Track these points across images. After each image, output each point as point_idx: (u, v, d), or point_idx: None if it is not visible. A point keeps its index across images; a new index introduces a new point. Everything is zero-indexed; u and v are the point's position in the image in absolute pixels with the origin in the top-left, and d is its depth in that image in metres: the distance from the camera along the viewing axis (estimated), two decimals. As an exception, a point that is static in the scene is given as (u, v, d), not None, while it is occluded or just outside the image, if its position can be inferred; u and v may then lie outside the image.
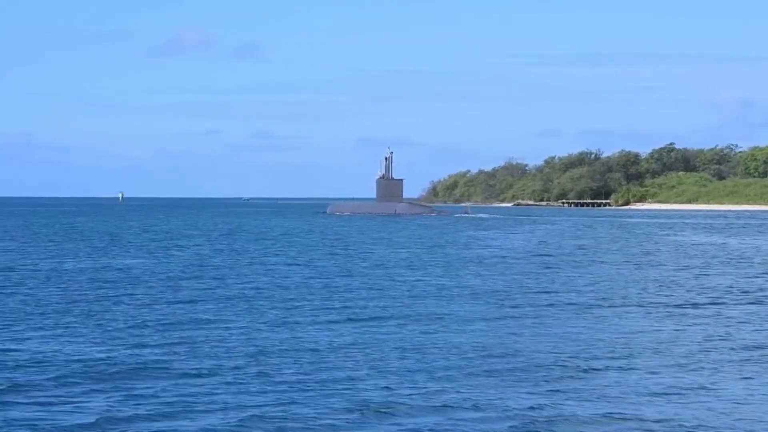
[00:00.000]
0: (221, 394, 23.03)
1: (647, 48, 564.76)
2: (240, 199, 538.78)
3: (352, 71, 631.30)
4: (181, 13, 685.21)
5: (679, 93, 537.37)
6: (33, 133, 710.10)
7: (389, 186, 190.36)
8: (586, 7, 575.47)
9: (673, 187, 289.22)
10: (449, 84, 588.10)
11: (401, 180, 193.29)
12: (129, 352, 28.63)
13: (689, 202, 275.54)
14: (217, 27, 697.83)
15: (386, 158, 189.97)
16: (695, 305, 41.27)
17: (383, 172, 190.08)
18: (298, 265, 61.48)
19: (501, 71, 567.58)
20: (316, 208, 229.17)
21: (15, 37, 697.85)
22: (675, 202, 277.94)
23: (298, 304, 40.26)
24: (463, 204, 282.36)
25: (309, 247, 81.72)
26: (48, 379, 24.51)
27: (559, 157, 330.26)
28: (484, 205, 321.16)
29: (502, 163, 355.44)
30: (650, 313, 38.51)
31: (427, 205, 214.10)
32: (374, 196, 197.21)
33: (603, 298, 43.38)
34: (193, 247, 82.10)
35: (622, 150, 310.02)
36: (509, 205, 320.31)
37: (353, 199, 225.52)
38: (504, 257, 70.64)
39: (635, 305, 40.94)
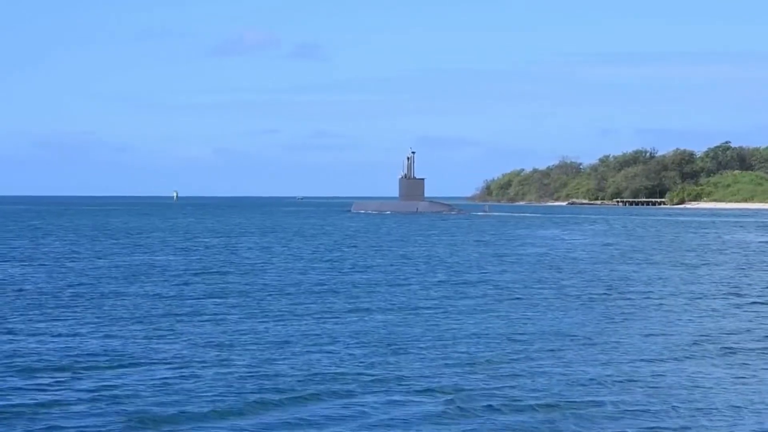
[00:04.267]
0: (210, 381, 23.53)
1: (705, 46, 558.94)
2: (294, 198, 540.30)
3: (410, 70, 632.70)
4: (242, 13, 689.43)
5: (738, 91, 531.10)
6: (94, 132, 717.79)
7: (411, 185, 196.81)
8: (644, 6, 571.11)
9: (729, 185, 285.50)
10: (507, 83, 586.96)
11: (423, 179, 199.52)
12: (102, 342, 29.26)
13: (745, 201, 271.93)
14: (279, 26, 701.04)
15: (408, 158, 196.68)
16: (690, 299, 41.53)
17: (405, 171, 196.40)
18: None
19: (559, 70, 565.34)
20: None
21: (78, 37, 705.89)
22: (730, 201, 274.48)
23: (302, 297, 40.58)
24: (483, 203, 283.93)
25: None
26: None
27: (613, 156, 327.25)
28: (538, 204, 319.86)
29: (556, 162, 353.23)
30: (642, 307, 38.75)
31: (447, 204, 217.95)
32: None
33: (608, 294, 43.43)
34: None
35: (677, 149, 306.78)
36: (563, 203, 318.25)
37: (377, 198, 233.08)
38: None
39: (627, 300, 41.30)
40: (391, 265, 59.75)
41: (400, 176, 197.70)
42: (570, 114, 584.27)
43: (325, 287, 45.63)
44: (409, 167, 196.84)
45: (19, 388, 22.69)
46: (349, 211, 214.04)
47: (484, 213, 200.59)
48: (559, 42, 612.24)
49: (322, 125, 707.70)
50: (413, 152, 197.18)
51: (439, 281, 48.96)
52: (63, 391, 22.42)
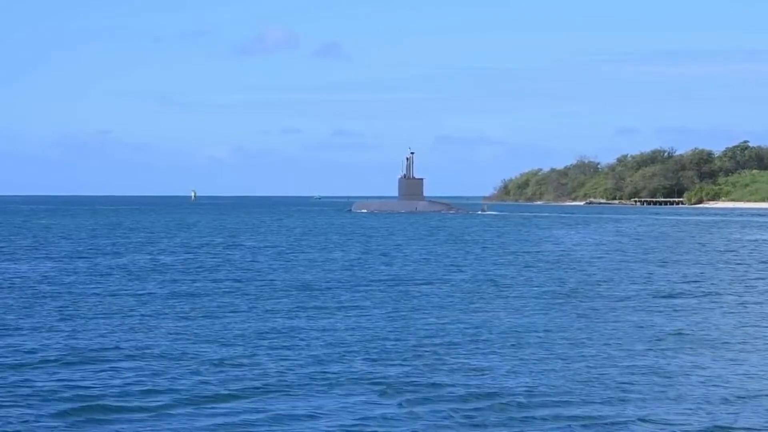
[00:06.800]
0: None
1: (725, 45, 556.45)
2: (311, 197, 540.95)
3: (430, 69, 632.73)
4: (263, 12, 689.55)
5: (757, 90, 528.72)
6: (112, 131, 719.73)
7: (410, 185, 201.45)
8: (664, 5, 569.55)
9: (747, 185, 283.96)
10: (526, 82, 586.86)
11: (422, 179, 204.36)
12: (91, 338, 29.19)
13: (763, 200, 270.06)
14: (300, 26, 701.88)
15: (407, 158, 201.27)
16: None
17: (405, 171, 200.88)
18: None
19: (579, 69, 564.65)
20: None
21: (97, 36, 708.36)
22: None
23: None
24: (482, 203, 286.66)
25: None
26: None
27: (631, 156, 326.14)
28: (555, 204, 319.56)
29: (574, 162, 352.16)
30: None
31: (446, 203, 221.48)
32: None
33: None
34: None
35: (695, 148, 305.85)
36: (581, 203, 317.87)
37: (377, 197, 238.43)
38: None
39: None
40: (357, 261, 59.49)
41: (400, 176, 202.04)
42: (589, 113, 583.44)
43: (304, 286, 45.30)
44: (409, 167, 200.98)
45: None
46: (350, 210, 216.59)
47: (482, 212, 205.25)
48: (579, 41, 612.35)
49: (343, 124, 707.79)
50: (412, 153, 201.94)
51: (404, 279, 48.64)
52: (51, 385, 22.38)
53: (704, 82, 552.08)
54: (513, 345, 28.09)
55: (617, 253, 70.16)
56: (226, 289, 43.16)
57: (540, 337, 29.56)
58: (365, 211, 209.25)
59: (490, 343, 28.47)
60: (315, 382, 22.69)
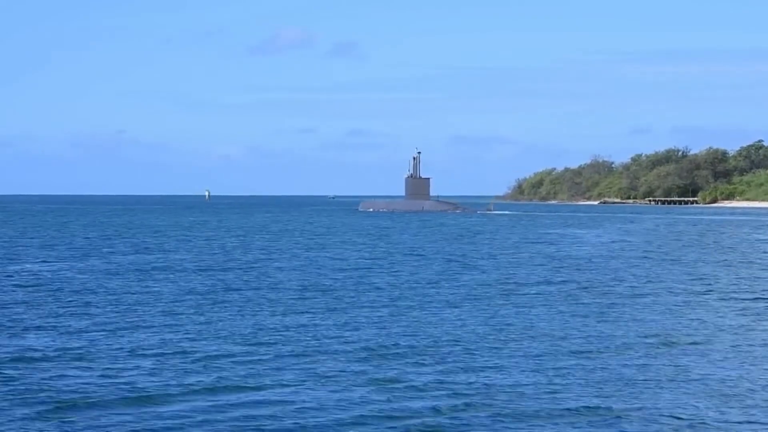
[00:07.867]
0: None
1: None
2: (326, 197, 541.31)
3: (445, 69, 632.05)
4: (279, 12, 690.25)
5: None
6: (127, 131, 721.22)
7: (417, 184, 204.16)
8: (679, 4, 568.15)
9: (762, 184, 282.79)
10: (541, 81, 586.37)
11: (428, 179, 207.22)
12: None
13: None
14: (315, 25, 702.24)
15: (414, 158, 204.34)
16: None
17: (411, 171, 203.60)
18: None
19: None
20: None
21: (112, 36, 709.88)
22: (764, 200, 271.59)
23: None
24: (489, 202, 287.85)
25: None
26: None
27: (645, 155, 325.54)
28: (569, 203, 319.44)
29: (588, 161, 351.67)
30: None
31: (452, 203, 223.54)
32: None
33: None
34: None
35: (710, 147, 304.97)
36: (595, 203, 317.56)
37: (384, 196, 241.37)
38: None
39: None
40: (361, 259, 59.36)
41: (407, 176, 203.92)
42: (604, 113, 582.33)
43: (298, 284, 45.32)
44: (415, 167, 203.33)
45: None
46: (357, 209, 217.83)
47: (487, 211, 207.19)
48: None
49: (358, 124, 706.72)
50: (419, 152, 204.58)
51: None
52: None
53: (718, 82, 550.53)
54: (521, 343, 27.91)
55: (628, 251, 69.78)
56: (233, 288, 43.26)
57: (548, 336, 29.35)
58: (372, 210, 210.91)
59: (497, 341, 28.31)
60: (315, 381, 22.60)
